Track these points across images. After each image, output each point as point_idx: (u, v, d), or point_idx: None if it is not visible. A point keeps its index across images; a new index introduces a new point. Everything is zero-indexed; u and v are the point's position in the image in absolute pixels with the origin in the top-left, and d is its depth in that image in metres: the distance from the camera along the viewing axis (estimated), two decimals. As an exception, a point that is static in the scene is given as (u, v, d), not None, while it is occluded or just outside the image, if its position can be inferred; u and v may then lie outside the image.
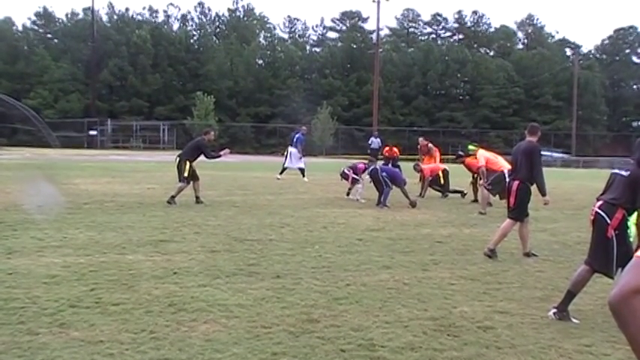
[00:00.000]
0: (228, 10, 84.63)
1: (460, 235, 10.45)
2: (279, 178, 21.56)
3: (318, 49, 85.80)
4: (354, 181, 16.16)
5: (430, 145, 19.18)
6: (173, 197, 13.43)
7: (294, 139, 22.22)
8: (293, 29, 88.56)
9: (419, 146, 19.94)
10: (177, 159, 14.01)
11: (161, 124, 66.37)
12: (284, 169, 22.11)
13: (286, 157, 22.42)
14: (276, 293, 6.05)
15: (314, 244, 8.98)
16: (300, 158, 22.12)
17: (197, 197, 13.83)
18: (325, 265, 7.51)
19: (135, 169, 26.29)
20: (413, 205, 14.15)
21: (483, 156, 14.19)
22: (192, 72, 74.88)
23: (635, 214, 5.35)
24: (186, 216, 11.57)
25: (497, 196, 13.12)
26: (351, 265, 7.52)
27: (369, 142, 33.05)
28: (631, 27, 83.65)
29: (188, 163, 13.74)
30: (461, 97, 79.81)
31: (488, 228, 11.17)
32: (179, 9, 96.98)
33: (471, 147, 15.18)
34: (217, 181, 19.22)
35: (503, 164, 13.33)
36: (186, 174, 13.65)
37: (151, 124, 66.47)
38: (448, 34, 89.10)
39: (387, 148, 26.64)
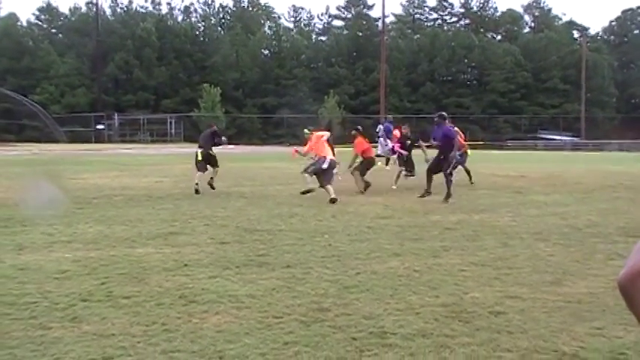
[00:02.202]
0: (233, 0, 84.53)
1: (470, 221, 10.42)
2: (384, 166, 21.81)
3: (323, 38, 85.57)
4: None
5: (456, 128, 18.69)
6: (210, 185, 14.42)
7: (384, 130, 23.44)
8: (298, 18, 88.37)
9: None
10: (202, 151, 14.70)
11: (168, 116, 66.47)
12: (379, 155, 22.38)
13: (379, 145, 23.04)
14: (287, 283, 6.06)
15: (323, 233, 8.99)
16: (386, 146, 22.40)
17: (197, 185, 14.21)
18: (335, 253, 7.52)
19: (143, 163, 26.36)
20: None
21: (315, 136, 13.88)
22: (198, 64, 74.83)
23: None
24: (196, 208, 11.60)
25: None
26: (361, 254, 7.53)
27: (377, 129, 32.96)
28: (639, 7, 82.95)
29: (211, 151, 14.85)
30: (468, 83, 79.38)
31: (498, 213, 11.16)
32: (182, 0, 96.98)
33: (305, 130, 14.89)
34: (226, 173, 19.20)
35: (326, 150, 13.55)
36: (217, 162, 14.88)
37: (157, 117, 66.60)
38: (454, 19, 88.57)
39: (395, 131, 27.14)
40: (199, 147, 14.99)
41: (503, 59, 73.71)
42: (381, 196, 13.90)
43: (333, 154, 13.84)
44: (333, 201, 12.56)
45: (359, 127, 15.91)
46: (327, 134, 14.27)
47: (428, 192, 13.47)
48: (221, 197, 13.49)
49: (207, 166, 14.83)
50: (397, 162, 17.12)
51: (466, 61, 77.87)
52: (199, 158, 14.72)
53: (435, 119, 14.14)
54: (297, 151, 14.53)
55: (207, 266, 6.77)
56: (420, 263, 7.03)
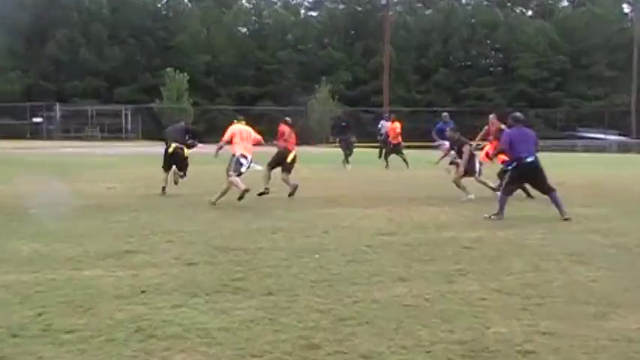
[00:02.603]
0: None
1: (492, 238, 10.44)
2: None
3: (314, 14, 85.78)
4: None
5: (503, 126, 18.44)
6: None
7: (437, 131, 23.66)
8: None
9: (486, 127, 19.09)
10: (175, 146, 16.03)
11: (123, 108, 66.42)
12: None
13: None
14: (268, 314, 6.05)
15: (313, 252, 8.98)
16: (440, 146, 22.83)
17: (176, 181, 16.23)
18: (327, 277, 7.51)
19: (91, 165, 26.28)
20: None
21: (232, 131, 14.85)
22: (160, 44, 74.82)
23: None
24: (156, 221, 11.57)
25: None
26: (359, 278, 7.52)
27: (379, 126, 33.06)
28: None
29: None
30: (491, 69, 79.73)
31: (528, 229, 11.17)
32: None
33: (235, 120, 15.74)
34: (195, 178, 19.19)
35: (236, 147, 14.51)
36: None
37: (110, 109, 66.52)
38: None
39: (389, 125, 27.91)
40: (173, 140, 16.14)
41: (535, 40, 74.06)
42: (383, 207, 13.91)
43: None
44: (212, 201, 13.94)
45: (287, 118, 17.37)
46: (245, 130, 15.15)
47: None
48: (188, 207, 13.48)
49: (173, 166, 16.10)
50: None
51: (489, 42, 78.27)
52: (170, 151, 15.92)
53: (509, 121, 13.90)
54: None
55: (171, 293, 6.75)
56: (432, 290, 7.03)
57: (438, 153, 21.37)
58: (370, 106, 66.90)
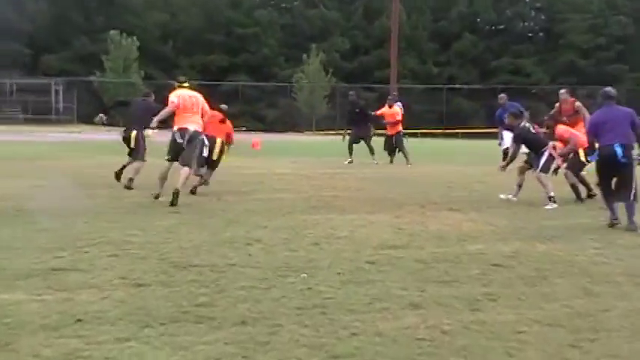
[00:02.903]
0: None
1: (531, 253, 10.45)
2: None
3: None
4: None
5: (579, 103, 18.74)
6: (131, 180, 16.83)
7: (498, 116, 23.80)
8: None
9: (556, 105, 19.09)
10: (133, 132, 17.31)
11: (52, 82, 66.22)
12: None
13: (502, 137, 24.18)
14: (241, 349, 6.05)
15: (300, 270, 8.98)
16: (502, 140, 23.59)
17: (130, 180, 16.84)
18: (318, 303, 7.51)
19: (10, 155, 26.18)
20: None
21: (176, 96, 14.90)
22: (102, -1, 74.64)
23: None
24: (96, 229, 11.53)
25: None
26: (359, 304, 7.53)
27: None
28: None
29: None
30: (530, 35, 79.98)
31: (577, 243, 11.19)
32: None
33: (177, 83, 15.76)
34: (148, 174, 19.18)
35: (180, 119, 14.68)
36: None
37: (35, 83, 66.33)
38: None
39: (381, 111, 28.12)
40: (133, 126, 17.34)
41: (587, -3, 74.15)
42: (390, 213, 13.93)
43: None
44: (171, 202, 14.08)
45: (223, 105, 18.38)
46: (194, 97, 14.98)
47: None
48: (139, 212, 13.45)
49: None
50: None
51: (527, 0, 78.30)
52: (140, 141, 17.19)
53: (599, 99, 13.62)
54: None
55: (114, 322, 6.74)
56: (452, 320, 7.04)
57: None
58: (373, 82, 66.80)
